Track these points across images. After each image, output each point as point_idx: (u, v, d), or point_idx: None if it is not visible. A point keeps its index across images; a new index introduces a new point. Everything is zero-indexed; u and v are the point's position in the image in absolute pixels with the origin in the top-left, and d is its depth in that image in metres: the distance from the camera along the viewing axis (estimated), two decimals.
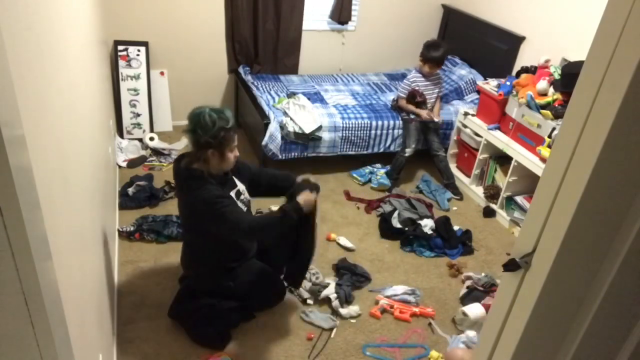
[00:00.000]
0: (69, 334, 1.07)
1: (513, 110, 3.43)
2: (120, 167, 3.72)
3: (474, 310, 2.59)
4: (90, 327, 1.55)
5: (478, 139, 3.69)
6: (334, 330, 2.52)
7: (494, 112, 3.58)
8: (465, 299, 2.77)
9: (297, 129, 3.60)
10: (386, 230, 3.29)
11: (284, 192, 2.48)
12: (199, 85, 4.36)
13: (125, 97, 4.03)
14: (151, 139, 4.00)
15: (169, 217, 3.10)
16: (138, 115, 4.09)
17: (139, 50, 4.00)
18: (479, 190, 3.77)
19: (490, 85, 3.66)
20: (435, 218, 3.37)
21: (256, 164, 3.76)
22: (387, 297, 2.75)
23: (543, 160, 3.13)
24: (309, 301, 2.67)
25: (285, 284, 2.62)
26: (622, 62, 0.90)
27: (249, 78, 4.24)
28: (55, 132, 1.28)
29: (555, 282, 1.10)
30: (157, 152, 3.95)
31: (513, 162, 3.36)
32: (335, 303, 2.62)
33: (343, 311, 2.60)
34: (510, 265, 1.18)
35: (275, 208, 3.26)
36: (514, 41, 4.01)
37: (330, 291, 2.67)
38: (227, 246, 2.34)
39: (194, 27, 4.13)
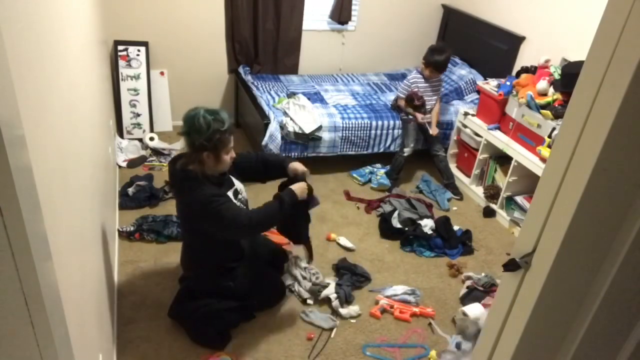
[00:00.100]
0: (69, 334, 1.07)
1: (513, 110, 3.43)
2: (120, 167, 3.72)
3: (474, 310, 2.59)
4: (90, 327, 1.55)
5: (478, 139, 3.70)
6: (334, 330, 2.52)
7: (494, 112, 3.58)
8: (465, 299, 2.77)
9: (297, 129, 3.60)
10: (386, 230, 3.29)
11: (280, 174, 2.52)
12: (199, 85, 4.36)
13: (125, 97, 4.03)
14: (151, 139, 4.00)
15: (169, 217, 3.10)
16: (138, 115, 4.09)
17: (139, 50, 4.00)
18: (479, 190, 3.77)
19: (490, 85, 3.66)
20: (435, 218, 3.37)
21: None
22: (387, 297, 2.75)
23: (543, 160, 3.13)
24: (309, 301, 2.67)
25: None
26: (622, 62, 0.90)
27: (249, 78, 4.24)
28: (55, 132, 1.28)
29: (555, 282, 1.10)
30: (157, 152, 3.95)
31: (513, 162, 3.36)
32: (335, 303, 2.62)
33: (343, 311, 2.60)
34: (510, 265, 1.18)
35: None
36: (514, 41, 4.01)
37: (330, 291, 2.67)
38: (226, 246, 2.34)
39: (194, 27, 4.13)
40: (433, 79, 3.78)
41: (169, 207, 3.28)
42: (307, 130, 3.60)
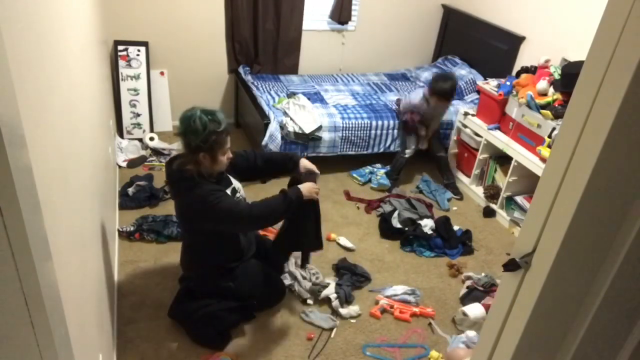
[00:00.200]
0: (69, 334, 1.07)
1: (513, 110, 3.43)
2: (120, 167, 3.72)
3: (474, 310, 2.60)
4: (90, 327, 1.55)
5: (478, 139, 3.69)
6: (334, 330, 2.52)
7: (494, 112, 3.58)
8: (465, 299, 2.77)
9: (297, 129, 3.60)
10: (386, 230, 3.29)
11: (286, 171, 2.45)
12: (199, 85, 4.36)
13: (125, 97, 4.03)
14: (151, 139, 4.00)
15: (169, 217, 3.10)
16: (138, 115, 4.09)
17: (139, 50, 4.00)
18: (479, 190, 3.77)
19: (490, 85, 3.66)
20: (435, 218, 3.37)
21: None
22: (387, 297, 2.75)
23: (543, 160, 3.13)
24: (309, 301, 2.67)
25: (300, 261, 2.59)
26: (622, 62, 0.90)
27: (249, 78, 4.24)
28: (55, 132, 1.28)
29: (555, 282, 1.10)
30: (157, 152, 3.95)
31: (513, 162, 3.36)
32: (335, 303, 2.62)
33: (343, 311, 2.60)
34: (510, 265, 1.18)
35: None
36: (514, 41, 4.01)
37: (330, 291, 2.67)
38: (226, 246, 2.34)
39: (194, 27, 4.13)
40: (439, 108, 3.66)
41: (169, 207, 3.28)
42: (307, 130, 3.60)
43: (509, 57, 4.07)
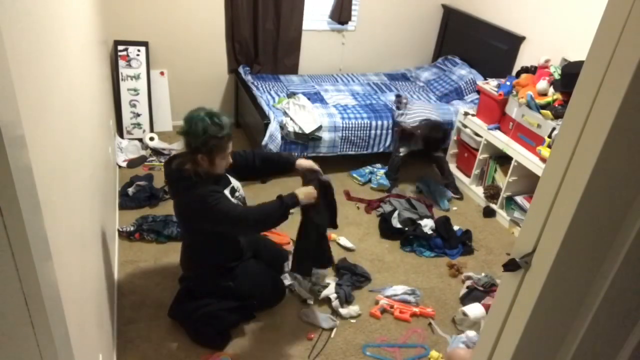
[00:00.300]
0: (69, 334, 1.07)
1: (513, 110, 3.43)
2: (120, 167, 3.72)
3: (474, 310, 2.59)
4: (90, 327, 1.55)
5: (478, 139, 3.69)
6: (334, 330, 2.52)
7: (494, 112, 3.58)
8: (465, 299, 2.77)
9: (297, 129, 3.60)
10: (386, 230, 3.29)
11: (284, 171, 2.46)
12: (199, 85, 4.36)
13: (125, 97, 4.03)
14: (151, 139, 4.00)
15: (169, 217, 3.10)
16: (138, 115, 4.09)
17: (139, 50, 4.00)
18: (479, 190, 3.77)
19: (490, 85, 3.66)
20: (435, 218, 3.37)
21: None
22: (387, 297, 2.75)
23: (543, 160, 3.13)
24: (309, 301, 2.67)
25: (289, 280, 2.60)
26: (622, 62, 0.90)
27: (249, 78, 4.24)
28: (55, 132, 1.28)
29: (555, 282, 1.10)
30: (157, 152, 3.95)
31: (513, 162, 3.36)
32: (335, 303, 2.62)
33: (343, 311, 2.60)
34: (510, 265, 1.18)
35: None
36: (514, 41, 4.01)
37: (330, 291, 2.67)
38: (226, 246, 2.34)
39: (194, 27, 4.13)
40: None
41: (169, 207, 3.28)
42: (307, 130, 3.60)
43: (509, 57, 4.07)
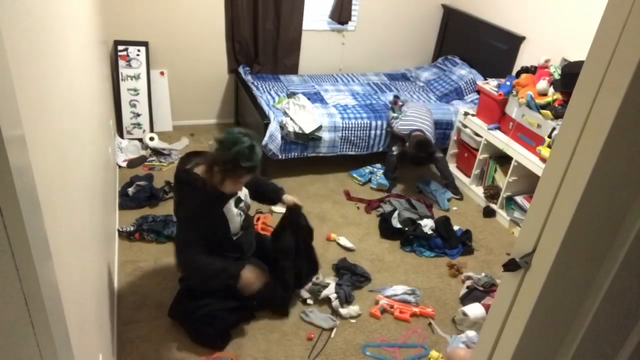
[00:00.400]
0: (69, 334, 1.07)
1: (513, 110, 3.43)
2: (120, 167, 3.72)
3: (474, 310, 2.60)
4: (90, 327, 1.55)
5: (478, 139, 3.69)
6: (334, 330, 2.52)
7: (494, 112, 3.58)
8: (465, 299, 2.77)
9: (297, 129, 3.60)
10: (386, 230, 3.29)
11: (272, 202, 2.65)
12: (199, 85, 4.36)
13: (125, 97, 4.03)
14: (151, 139, 4.00)
15: (169, 217, 3.10)
16: (138, 115, 4.09)
17: (139, 50, 4.00)
18: (479, 190, 3.77)
19: (490, 85, 3.66)
20: (435, 218, 3.37)
21: None
22: (387, 297, 2.75)
23: (543, 160, 3.13)
24: (309, 301, 2.67)
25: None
26: (622, 62, 0.90)
27: (249, 78, 4.24)
28: (55, 132, 1.28)
29: (555, 282, 1.10)
30: (157, 152, 3.95)
31: (513, 162, 3.36)
32: (335, 303, 2.62)
33: (343, 311, 2.60)
34: (510, 265, 1.18)
35: (276, 209, 3.26)
36: (514, 41, 4.01)
37: (330, 291, 2.67)
38: (225, 247, 2.34)
39: (194, 27, 4.13)
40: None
41: (169, 207, 3.28)
42: (307, 130, 3.60)
43: (509, 57, 4.07)
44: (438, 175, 3.92)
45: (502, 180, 3.53)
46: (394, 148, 3.77)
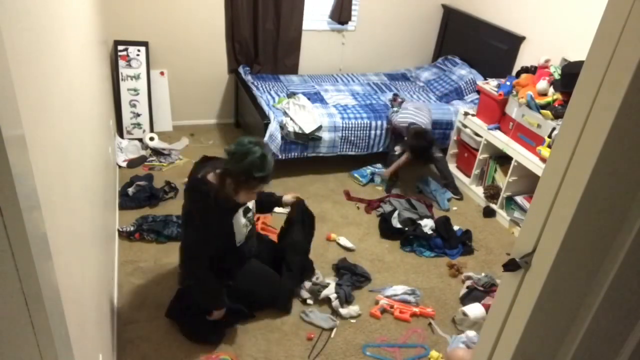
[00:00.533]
0: (69, 334, 1.07)
1: (513, 110, 3.43)
2: (120, 167, 3.72)
3: (474, 310, 2.60)
4: (90, 327, 1.55)
5: (478, 139, 3.69)
6: (334, 330, 2.52)
7: (494, 112, 3.58)
8: (465, 299, 2.77)
9: (297, 129, 3.60)
10: (386, 230, 3.29)
11: (274, 206, 2.72)
12: (199, 85, 4.36)
13: (125, 97, 4.03)
14: (151, 139, 4.00)
15: (169, 217, 3.10)
16: (138, 115, 4.09)
17: (139, 50, 4.00)
18: (479, 190, 3.77)
19: (490, 85, 3.66)
20: (435, 218, 3.37)
21: None
22: (387, 297, 2.75)
23: (543, 160, 3.13)
24: (309, 301, 2.67)
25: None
26: (622, 62, 0.90)
27: (249, 78, 4.24)
28: (55, 132, 1.28)
29: (555, 282, 1.10)
30: (157, 152, 3.95)
31: (513, 162, 3.36)
32: (335, 303, 2.62)
33: (343, 311, 2.60)
34: (510, 265, 1.18)
35: (277, 209, 3.26)
36: (514, 41, 4.01)
37: (330, 291, 2.67)
38: (225, 247, 2.34)
39: (194, 27, 4.13)
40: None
41: (169, 207, 3.28)
42: (307, 130, 3.60)
43: (509, 57, 4.07)
44: (438, 175, 3.92)
45: (502, 180, 3.53)
46: (396, 148, 3.77)
